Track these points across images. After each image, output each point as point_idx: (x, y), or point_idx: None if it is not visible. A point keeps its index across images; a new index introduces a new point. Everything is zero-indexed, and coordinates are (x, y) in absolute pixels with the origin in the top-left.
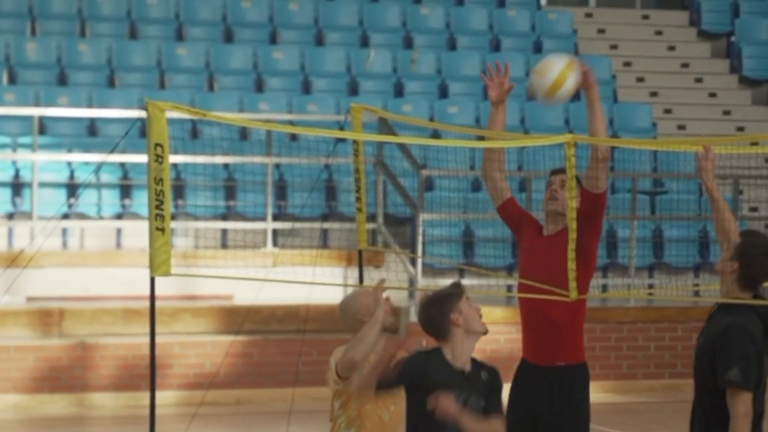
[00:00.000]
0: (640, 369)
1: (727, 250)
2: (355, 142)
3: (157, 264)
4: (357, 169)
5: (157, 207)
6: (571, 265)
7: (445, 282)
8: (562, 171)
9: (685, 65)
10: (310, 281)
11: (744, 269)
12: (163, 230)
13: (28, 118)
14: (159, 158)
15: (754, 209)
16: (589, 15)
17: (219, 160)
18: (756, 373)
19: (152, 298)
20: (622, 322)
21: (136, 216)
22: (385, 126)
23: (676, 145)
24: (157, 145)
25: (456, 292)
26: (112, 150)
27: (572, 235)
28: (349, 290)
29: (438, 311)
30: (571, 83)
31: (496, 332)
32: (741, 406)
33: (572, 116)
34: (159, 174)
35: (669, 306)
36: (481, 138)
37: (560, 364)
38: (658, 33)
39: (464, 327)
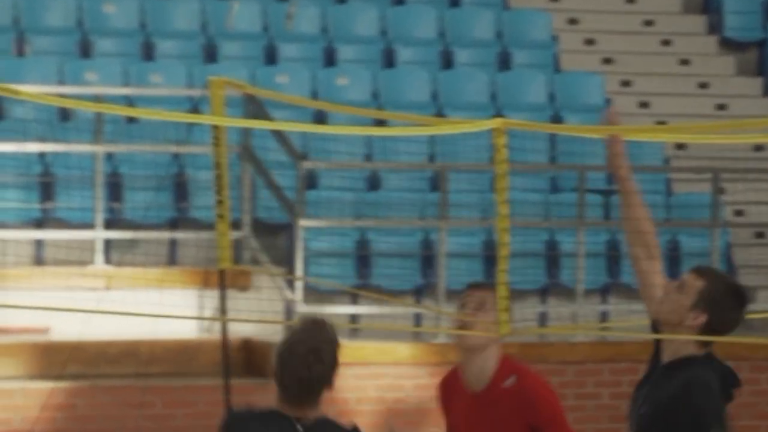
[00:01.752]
0: (591, 423)
1: (685, 295)
2: (214, 127)
3: None
4: (218, 163)
5: None
6: (502, 292)
7: (336, 310)
8: (482, 287)
9: (648, 23)
10: (155, 313)
11: (712, 323)
12: None
13: None
14: None
15: (739, 213)
16: None
17: (32, 148)
18: None
19: None
20: (566, 362)
21: None
22: (253, 104)
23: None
24: None
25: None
26: None
27: (503, 252)
28: (206, 323)
29: (323, 377)
30: None
31: (401, 375)
32: None
33: (500, 90)
34: None
35: (628, 341)
36: (380, 122)
37: None
38: None
39: None
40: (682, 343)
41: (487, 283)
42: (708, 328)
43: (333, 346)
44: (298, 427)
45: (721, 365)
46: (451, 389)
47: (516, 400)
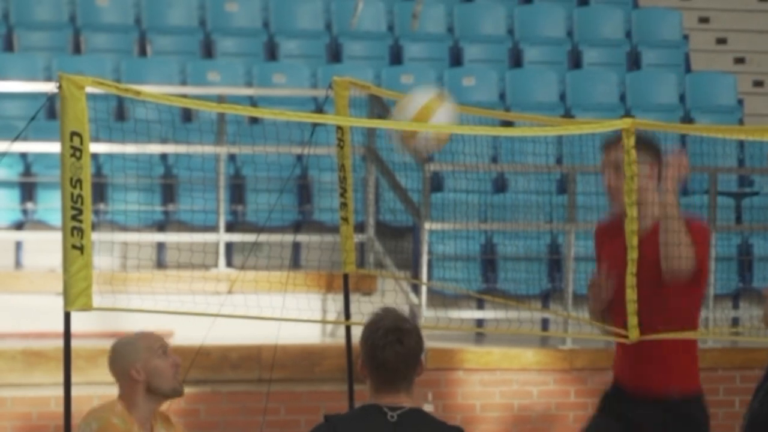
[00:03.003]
0: (722, 431)
1: None
2: (339, 128)
3: (74, 295)
4: (342, 165)
5: (75, 218)
6: (631, 296)
7: (461, 315)
8: (615, 143)
9: None
10: (277, 316)
11: None
12: (81, 249)
13: None
14: (76, 152)
15: None
16: None
17: (154, 149)
18: None
19: (67, 339)
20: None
21: (41, 225)
22: (378, 105)
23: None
24: (74, 134)
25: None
26: (15, 139)
27: (632, 255)
28: (330, 328)
29: (417, 356)
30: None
31: (527, 382)
32: None
33: (630, 90)
34: (77, 173)
35: (760, 347)
36: (507, 123)
37: (673, 394)
38: None
39: None
40: None
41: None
42: None
43: (413, 327)
44: (390, 416)
45: None
46: (608, 233)
47: None
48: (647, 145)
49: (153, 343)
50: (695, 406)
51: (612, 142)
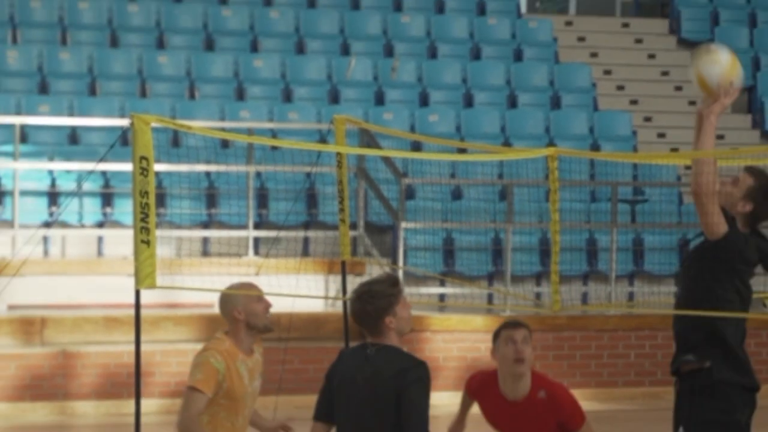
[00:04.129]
0: (621, 377)
1: (737, 188)
2: (338, 153)
3: (143, 277)
4: (340, 181)
5: (142, 220)
6: (555, 248)
7: (428, 291)
8: (520, 325)
9: (665, 73)
10: (293, 293)
11: (756, 211)
12: (148, 243)
13: (9, 127)
14: (144, 171)
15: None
16: (569, 23)
17: (200, 168)
18: None
19: (137, 310)
20: (602, 330)
21: (117, 224)
22: (366, 135)
23: (658, 158)
24: (142, 158)
25: (394, 293)
26: (100, 160)
27: (554, 216)
28: (331, 301)
29: (373, 310)
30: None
31: (477, 340)
32: None
33: (553, 124)
34: (144, 187)
35: (649, 314)
36: (462, 149)
37: None
38: (638, 41)
39: (396, 329)
40: (719, 224)
41: (524, 324)
42: (752, 216)
43: (383, 287)
44: (369, 350)
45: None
46: (486, 392)
47: (548, 407)
48: None
49: (250, 291)
50: None
51: (518, 325)
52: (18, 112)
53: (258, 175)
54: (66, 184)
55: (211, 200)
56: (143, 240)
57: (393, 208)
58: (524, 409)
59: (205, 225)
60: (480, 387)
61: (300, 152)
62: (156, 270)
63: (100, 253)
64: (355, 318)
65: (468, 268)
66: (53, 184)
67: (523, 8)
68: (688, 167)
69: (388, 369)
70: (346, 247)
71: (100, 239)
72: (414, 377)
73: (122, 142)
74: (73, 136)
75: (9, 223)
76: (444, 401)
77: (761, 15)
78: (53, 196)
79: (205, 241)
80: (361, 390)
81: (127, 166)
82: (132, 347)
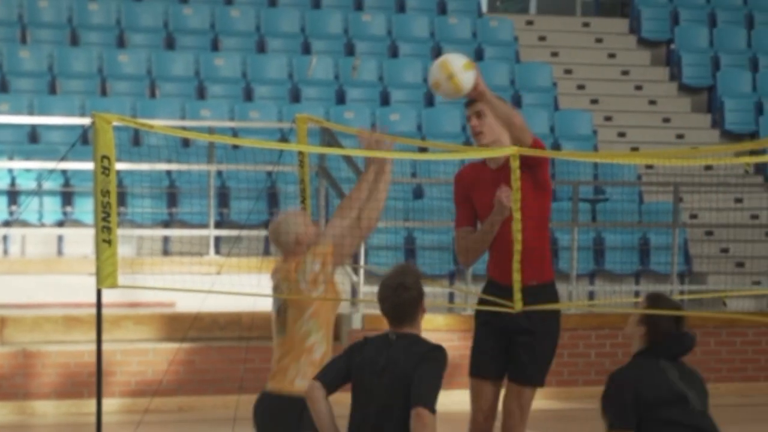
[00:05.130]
0: (581, 376)
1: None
2: (300, 153)
3: (104, 276)
4: (302, 180)
5: (104, 219)
6: (517, 246)
7: None
8: (472, 102)
9: (625, 72)
10: (255, 292)
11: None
12: (109, 242)
13: None
14: (105, 170)
15: (694, 216)
16: (530, 22)
17: (161, 167)
18: None
19: (99, 308)
20: (563, 329)
21: (78, 223)
22: (327, 134)
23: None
24: (103, 157)
25: (420, 284)
26: (60, 159)
27: (516, 215)
28: None
29: (410, 300)
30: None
31: (438, 339)
32: None
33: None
34: (105, 186)
35: (610, 313)
36: (423, 148)
37: (531, 283)
38: (599, 41)
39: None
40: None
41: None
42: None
43: (416, 280)
44: (391, 337)
45: None
46: (472, 176)
47: (523, 163)
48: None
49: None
50: (549, 290)
51: (471, 99)
52: None
53: (219, 174)
54: (26, 183)
55: (172, 199)
56: (104, 239)
57: None
58: (505, 173)
59: (166, 224)
60: (463, 176)
61: (261, 151)
62: (117, 269)
63: (60, 252)
64: (390, 310)
65: (429, 267)
66: (13, 183)
67: (484, 8)
68: (648, 166)
69: (410, 353)
70: None
71: (60, 238)
72: (431, 356)
73: (83, 140)
74: (33, 134)
75: None
76: None
77: (721, 15)
78: (13, 195)
79: (166, 240)
80: (381, 373)
81: (88, 165)
82: (93, 346)
